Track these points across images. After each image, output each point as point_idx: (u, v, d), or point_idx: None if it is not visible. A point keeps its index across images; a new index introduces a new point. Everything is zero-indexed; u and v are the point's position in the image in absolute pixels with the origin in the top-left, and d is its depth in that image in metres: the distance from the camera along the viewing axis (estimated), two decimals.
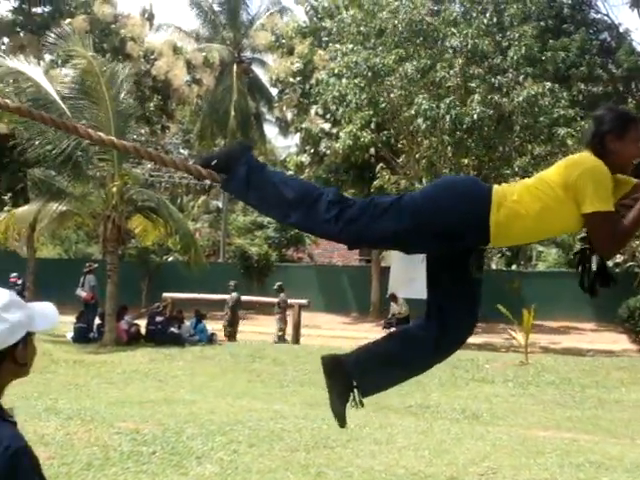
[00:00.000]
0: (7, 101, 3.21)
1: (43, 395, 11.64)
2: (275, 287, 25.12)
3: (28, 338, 2.55)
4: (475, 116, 22.55)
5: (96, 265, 24.11)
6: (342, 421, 3.20)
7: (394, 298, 25.62)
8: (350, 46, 25.11)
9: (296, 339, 23.78)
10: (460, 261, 3.03)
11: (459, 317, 3.12)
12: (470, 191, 3.00)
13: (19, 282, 27.53)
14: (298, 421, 10.63)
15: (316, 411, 11.63)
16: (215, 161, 2.95)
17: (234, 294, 24.17)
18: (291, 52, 34.13)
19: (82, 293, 23.06)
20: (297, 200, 2.89)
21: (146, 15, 36.55)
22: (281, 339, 23.65)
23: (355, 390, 3.20)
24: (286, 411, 11.69)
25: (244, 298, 24.93)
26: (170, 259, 35.72)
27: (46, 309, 2.66)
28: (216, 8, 43.34)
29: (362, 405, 3.16)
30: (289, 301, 24.51)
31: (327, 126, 30.54)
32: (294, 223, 2.97)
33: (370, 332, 27.47)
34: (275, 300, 24.54)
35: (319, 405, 12.75)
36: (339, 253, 44.40)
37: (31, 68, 20.60)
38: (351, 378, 3.19)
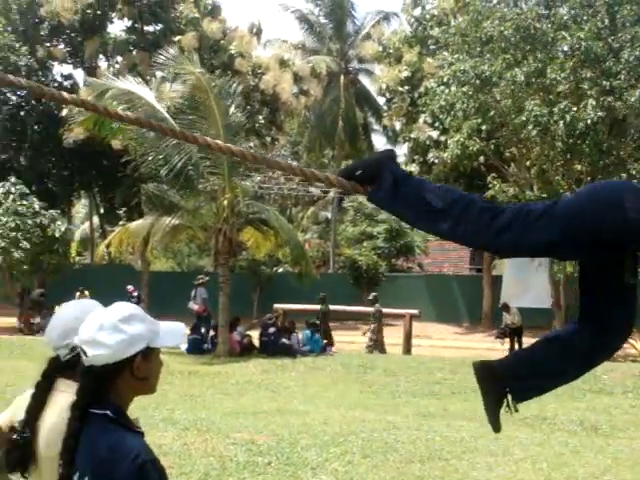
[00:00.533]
0: (127, 113, 3.25)
1: (160, 406, 11.84)
2: (370, 297, 24.92)
3: (152, 353, 2.59)
4: (589, 121, 22.01)
5: (207, 278, 24.44)
6: (496, 427, 3.11)
7: (506, 308, 25.14)
8: (456, 55, 24.91)
9: (407, 349, 23.61)
10: (615, 266, 2.90)
11: (614, 324, 3.00)
12: (629, 196, 2.85)
13: (135, 294, 28.20)
14: (412, 432, 10.53)
15: (430, 422, 11.50)
16: (359, 172, 2.87)
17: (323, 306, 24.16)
18: (399, 60, 34.06)
19: (194, 306, 23.41)
20: (446, 209, 2.78)
21: (254, 30, 37.05)
22: (371, 349, 23.37)
23: (508, 396, 3.11)
24: (399, 422, 11.58)
25: (353, 309, 24.92)
26: (280, 270, 36.02)
27: (173, 327, 2.71)
28: (322, 20, 43.62)
29: (516, 410, 3.07)
30: (400, 311, 24.35)
31: (435, 134, 30.30)
32: (443, 233, 2.86)
33: (482, 342, 27.12)
34: (383, 310, 24.38)
35: (432, 416, 12.61)
36: (450, 262, 44.06)
37: (141, 88, 21.08)
38: (503, 384, 3.10)
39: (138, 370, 2.54)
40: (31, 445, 2.84)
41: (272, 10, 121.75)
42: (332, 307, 24.72)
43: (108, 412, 2.52)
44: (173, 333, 2.69)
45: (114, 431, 2.49)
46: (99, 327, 2.51)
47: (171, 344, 2.67)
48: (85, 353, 2.50)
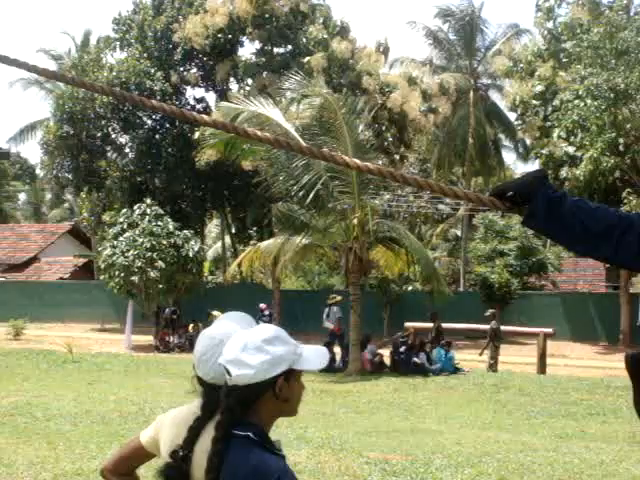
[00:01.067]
0: (258, 132, 3.26)
1: (293, 423, 11.87)
2: (487, 314, 24.31)
3: (294, 375, 2.59)
4: None
5: (339, 297, 24.48)
6: None
7: None
8: (589, 69, 24.31)
9: (542, 369, 23.03)
10: None
11: None
12: None
13: (266, 312, 28.58)
14: (549, 454, 10.22)
15: (567, 444, 11.16)
16: (511, 193, 2.76)
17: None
18: (531, 74, 33.50)
19: (329, 325, 23.56)
20: (604, 232, 2.63)
21: (381, 49, 37.14)
22: (491, 368, 22.81)
23: None
24: (535, 443, 11.27)
25: (482, 327, 24.47)
26: (410, 288, 35.81)
27: (316, 351, 2.70)
28: (452, 37, 43.32)
29: None
30: (534, 330, 23.80)
31: (571, 149, 29.51)
32: (603, 257, 2.71)
33: (622, 362, 26.18)
34: (525, 329, 23.81)
35: (569, 438, 12.23)
36: (584, 280, 42.89)
37: (271, 109, 21.37)
38: None
39: (280, 392, 2.55)
40: (188, 466, 2.85)
41: (400, 27, 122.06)
42: (451, 325, 24.49)
43: (250, 434, 2.52)
44: (316, 356, 2.68)
45: (256, 453, 2.48)
46: (243, 347, 2.52)
47: (314, 368, 2.66)
48: (229, 372, 2.52)
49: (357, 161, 3.05)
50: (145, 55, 37.59)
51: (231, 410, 2.54)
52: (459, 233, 48.97)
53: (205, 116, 3.12)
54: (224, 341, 2.83)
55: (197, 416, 2.91)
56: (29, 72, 2.80)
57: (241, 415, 2.54)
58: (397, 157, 38.43)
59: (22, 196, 75.43)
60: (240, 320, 3.03)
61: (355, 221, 21.26)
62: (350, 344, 21.71)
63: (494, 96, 44.04)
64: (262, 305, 28.89)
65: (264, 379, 2.51)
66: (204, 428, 2.86)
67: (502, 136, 44.97)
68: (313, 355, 2.67)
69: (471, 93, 41.26)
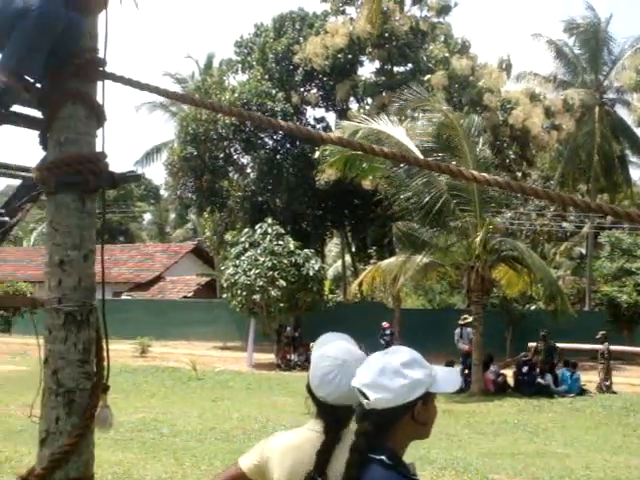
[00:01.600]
0: (384, 149, 3.22)
1: (416, 444, 11.74)
2: (598, 336, 23.53)
3: (430, 398, 2.56)
4: None
5: (472, 318, 24.07)
6: None
7: None
8: None
9: None
10: None
11: None
12: None
13: (388, 331, 28.52)
14: None
15: None
16: None
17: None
18: None
19: (464, 346, 23.36)
20: None
21: (504, 65, 36.66)
22: (604, 390, 21.96)
23: None
24: None
25: (612, 348, 23.74)
26: (533, 307, 35.08)
27: (450, 373, 2.68)
28: (577, 51, 42.40)
29: None
30: None
31: None
32: None
33: None
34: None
35: None
36: None
37: (391, 127, 21.34)
38: None
39: (419, 415, 2.50)
40: None
41: (524, 40, 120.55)
42: (576, 346, 23.84)
43: (384, 457, 2.47)
44: (451, 378, 2.65)
45: (391, 477, 2.44)
46: (381, 371, 2.50)
47: (450, 390, 2.62)
48: (366, 396, 2.48)
49: (486, 175, 2.98)
50: (266, 77, 38.14)
51: (368, 434, 2.51)
52: (584, 251, 47.76)
53: (331, 134, 3.10)
54: (347, 361, 2.80)
55: (323, 440, 2.86)
56: (160, 96, 2.84)
57: (377, 439, 2.50)
58: (519, 174, 37.79)
59: (147, 216, 77.54)
60: (348, 340, 3.00)
61: (477, 239, 21.00)
62: (472, 364, 21.40)
63: (620, 111, 42.87)
64: (385, 324, 28.85)
65: (403, 403, 2.48)
66: (333, 452, 2.82)
67: (629, 152, 43.67)
68: (447, 377, 2.63)
69: (597, 108, 40.26)
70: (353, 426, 2.88)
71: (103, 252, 3.91)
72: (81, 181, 3.72)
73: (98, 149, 4.01)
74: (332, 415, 2.91)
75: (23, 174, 4.90)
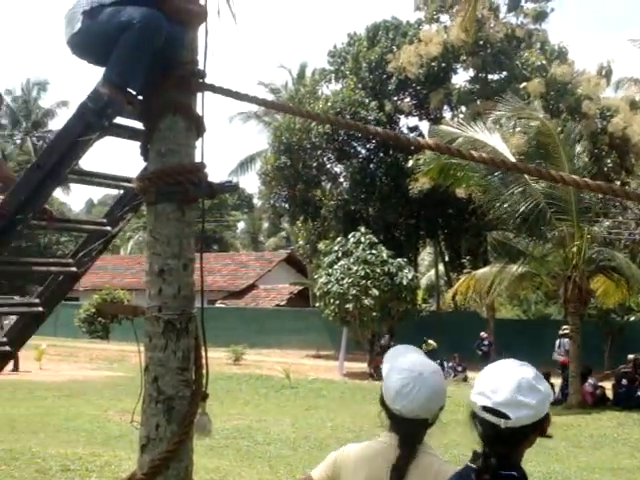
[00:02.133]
0: (473, 152, 3.17)
1: None
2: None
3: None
4: None
5: (567, 330, 23.62)
6: None
7: None
8: None
9: None
10: None
11: None
12: None
13: (486, 342, 28.27)
14: None
15: None
16: None
17: None
18: None
19: (559, 357, 22.96)
20: None
21: (603, 72, 35.95)
22: None
23: None
24: None
25: None
26: (632, 319, 34.24)
27: None
28: None
29: None
30: None
31: None
32: None
33: None
34: None
35: None
36: None
37: (486, 134, 21.11)
38: None
39: (547, 426, 2.49)
40: None
41: (623, 48, 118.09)
42: None
43: (514, 473, 2.44)
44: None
45: None
46: (517, 388, 2.45)
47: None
48: (505, 416, 2.42)
49: (588, 180, 2.91)
50: (360, 86, 38.21)
51: (500, 454, 2.46)
52: None
53: (428, 140, 3.08)
54: (424, 373, 2.77)
55: (398, 454, 2.83)
56: (258, 105, 2.86)
57: (509, 457, 2.46)
58: (618, 183, 36.97)
59: (241, 225, 78.44)
60: (419, 352, 2.96)
61: (574, 249, 20.60)
62: (570, 376, 20.99)
63: None
64: (483, 334, 28.63)
65: (540, 417, 2.47)
66: (408, 467, 2.79)
67: None
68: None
69: None
70: (427, 440, 2.85)
71: (202, 261, 3.96)
72: (181, 191, 3.77)
73: (197, 159, 4.07)
74: (407, 428, 2.87)
75: (124, 184, 5.00)
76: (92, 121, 4.01)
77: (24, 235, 36.76)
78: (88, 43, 4.30)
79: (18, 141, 63.24)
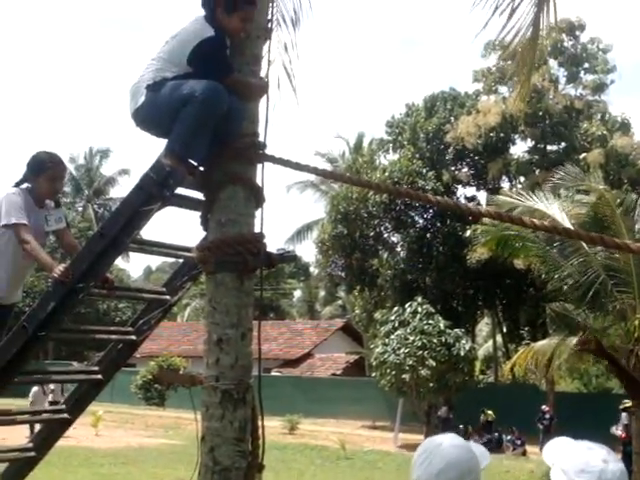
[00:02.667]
0: (535, 220, 3.15)
1: None
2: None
3: None
4: None
5: (630, 403, 23.07)
6: None
7: None
8: None
9: None
10: None
11: None
12: None
13: (547, 416, 27.81)
14: None
15: None
16: None
17: None
18: None
19: (616, 432, 22.42)
20: None
21: None
22: None
23: None
24: None
25: None
26: None
27: None
28: None
29: None
30: None
31: None
32: None
33: None
34: None
35: None
36: None
37: (545, 204, 20.95)
38: None
39: None
40: None
41: None
42: None
43: None
44: None
45: None
46: (600, 473, 2.43)
47: None
48: None
49: None
50: (417, 155, 38.36)
51: None
52: None
53: (487, 207, 3.07)
54: (442, 444, 2.69)
55: None
56: (317, 176, 2.89)
57: None
58: None
59: (297, 293, 78.50)
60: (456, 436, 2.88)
61: (636, 322, 20.19)
62: (633, 453, 20.41)
63: None
64: (544, 407, 28.20)
65: None
66: None
67: None
68: None
69: None
70: None
71: (260, 330, 3.97)
72: (240, 261, 3.81)
73: (256, 229, 4.11)
74: None
75: (184, 254, 5.07)
76: (154, 191, 4.09)
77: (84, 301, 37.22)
78: (151, 116, 4.41)
79: (80, 208, 64.42)
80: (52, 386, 24.17)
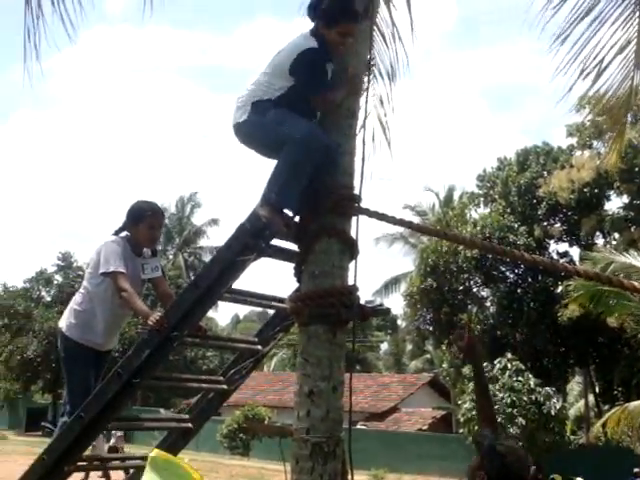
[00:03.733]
0: (635, 283, 3.06)
1: None
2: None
3: None
4: None
5: None
6: None
7: None
8: None
9: None
10: None
11: None
12: None
13: (638, 478, 26.93)
14: None
15: None
16: None
17: None
18: None
19: None
20: None
21: None
22: None
23: None
24: None
25: None
26: None
27: None
28: None
29: None
30: None
31: None
32: None
33: None
34: None
35: None
36: None
37: None
38: None
39: None
40: None
41: None
42: None
43: None
44: None
45: None
46: None
47: None
48: None
49: None
50: (508, 210, 38.04)
51: None
52: None
53: (579, 266, 3.00)
54: None
55: None
56: (406, 228, 2.86)
57: None
58: None
59: (384, 346, 78.08)
60: None
61: None
62: None
63: None
64: (636, 469, 27.29)
65: None
66: None
67: None
68: None
69: None
70: None
71: (351, 383, 3.94)
72: (333, 314, 3.80)
73: (349, 281, 4.09)
74: None
75: (276, 304, 5.09)
76: (249, 242, 4.13)
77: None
78: (251, 137, 4.58)
79: (170, 256, 65.53)
80: (119, 432, 24.24)
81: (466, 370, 32.40)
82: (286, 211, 4.30)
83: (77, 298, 5.93)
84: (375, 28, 5.50)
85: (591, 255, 23.12)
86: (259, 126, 4.48)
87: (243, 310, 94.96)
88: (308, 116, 4.52)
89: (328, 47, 4.55)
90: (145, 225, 5.83)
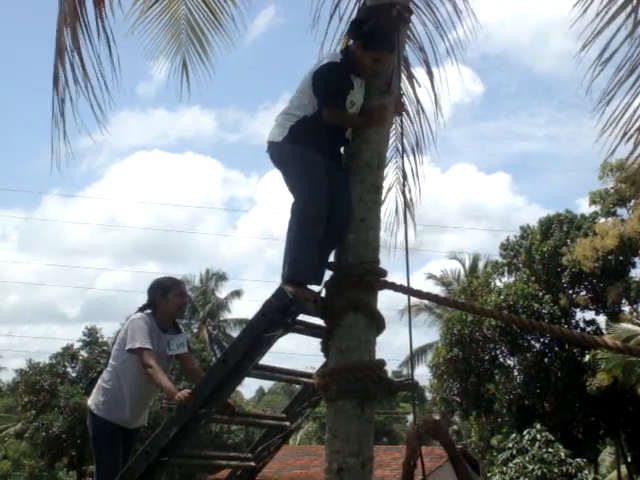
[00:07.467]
0: None
1: None
2: None
3: None
4: None
5: None
6: None
7: None
8: None
9: None
10: None
11: None
12: None
13: None
14: None
15: None
16: None
17: None
18: None
19: None
20: None
21: None
22: None
23: None
24: None
25: None
26: None
27: None
28: None
29: None
30: None
31: None
32: None
33: None
34: None
35: None
36: None
37: None
38: None
39: None
40: None
41: None
42: None
43: None
44: None
45: None
46: None
47: None
48: None
49: None
50: (533, 278, 37.86)
51: None
52: None
53: (605, 338, 3.00)
54: None
55: None
56: (429, 301, 2.88)
57: None
58: None
59: (410, 417, 77.20)
60: None
61: None
62: None
63: None
64: None
65: None
66: None
67: None
68: None
69: None
70: None
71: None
72: (361, 389, 3.79)
73: (375, 355, 4.09)
74: None
75: (304, 379, 5.08)
76: (276, 318, 4.15)
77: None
78: (279, 164, 4.77)
79: (195, 330, 65.47)
80: None
81: (494, 441, 32.00)
82: (312, 287, 4.33)
83: (105, 376, 5.96)
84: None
85: (616, 327, 23.00)
86: (289, 163, 4.64)
87: (268, 384, 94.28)
88: (335, 138, 4.67)
89: (357, 65, 4.73)
90: (174, 294, 5.95)
